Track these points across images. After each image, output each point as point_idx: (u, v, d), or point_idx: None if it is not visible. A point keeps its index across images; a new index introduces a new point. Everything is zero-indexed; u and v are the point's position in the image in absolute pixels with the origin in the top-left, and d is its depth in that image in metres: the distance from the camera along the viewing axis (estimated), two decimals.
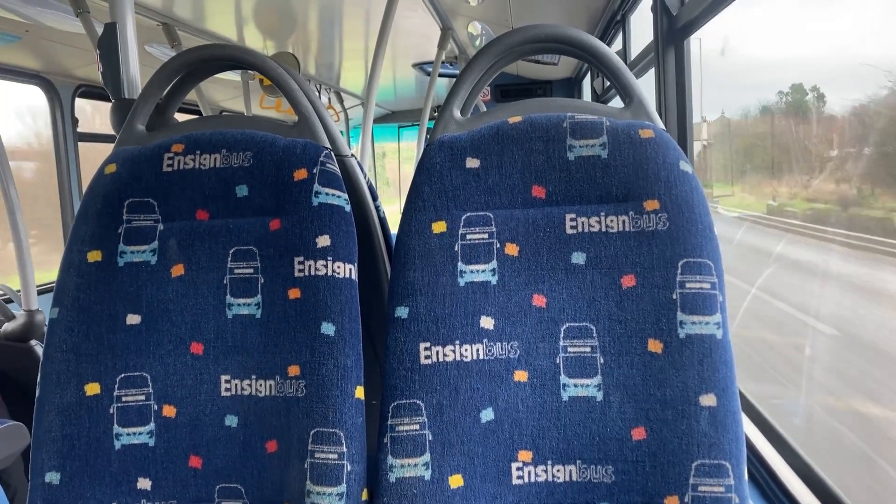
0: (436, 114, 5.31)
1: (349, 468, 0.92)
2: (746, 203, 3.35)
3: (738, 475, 0.88)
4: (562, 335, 0.95)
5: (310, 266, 0.97)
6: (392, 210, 1.25)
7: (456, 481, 0.92)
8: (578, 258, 0.95)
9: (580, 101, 1.05)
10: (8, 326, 2.42)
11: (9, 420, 1.90)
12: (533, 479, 0.94)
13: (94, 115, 3.80)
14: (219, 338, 1.00)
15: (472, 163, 0.98)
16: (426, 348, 0.94)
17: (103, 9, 2.31)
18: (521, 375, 0.95)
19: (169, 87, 1.15)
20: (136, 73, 1.29)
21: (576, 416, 0.93)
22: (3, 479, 2.09)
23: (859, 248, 2.06)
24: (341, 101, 5.49)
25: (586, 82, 4.76)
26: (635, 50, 2.71)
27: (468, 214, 0.97)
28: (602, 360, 0.93)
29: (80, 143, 3.47)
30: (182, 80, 1.16)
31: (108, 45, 1.26)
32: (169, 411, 0.99)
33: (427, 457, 0.92)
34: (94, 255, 1.01)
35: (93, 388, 0.99)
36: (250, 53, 1.08)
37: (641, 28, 2.58)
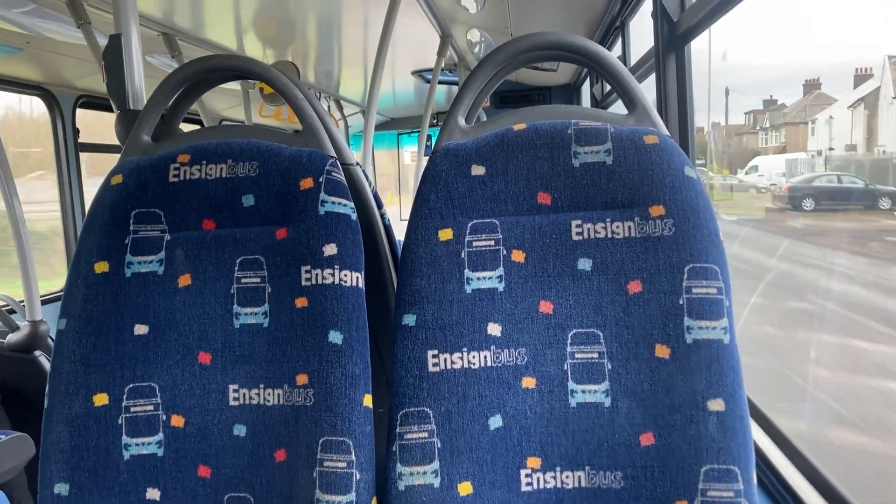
0: (435, 121, 5.29)
1: (358, 476, 0.92)
2: None
3: (747, 480, 0.88)
4: (569, 341, 0.95)
5: (317, 275, 0.97)
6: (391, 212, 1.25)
7: (465, 489, 0.92)
8: (585, 264, 0.96)
9: (584, 108, 1.05)
10: (12, 337, 2.42)
11: (13, 431, 1.90)
12: (542, 486, 0.94)
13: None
14: (226, 347, 1.00)
15: (478, 170, 0.98)
16: (434, 356, 0.94)
17: (104, 20, 2.32)
18: (528, 382, 0.95)
19: (174, 98, 1.15)
20: (141, 83, 1.30)
21: (584, 423, 0.93)
22: (7, 492, 2.08)
23: None
24: (341, 108, 5.51)
25: (585, 88, 4.77)
26: (634, 56, 2.72)
27: (474, 221, 0.97)
28: (609, 366, 0.93)
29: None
30: (187, 90, 1.17)
31: (113, 57, 1.27)
32: (177, 421, 0.99)
33: (436, 464, 0.92)
34: (102, 266, 1.02)
35: (101, 399, 0.99)
36: (255, 64, 1.08)
37: (641, 34, 2.59)
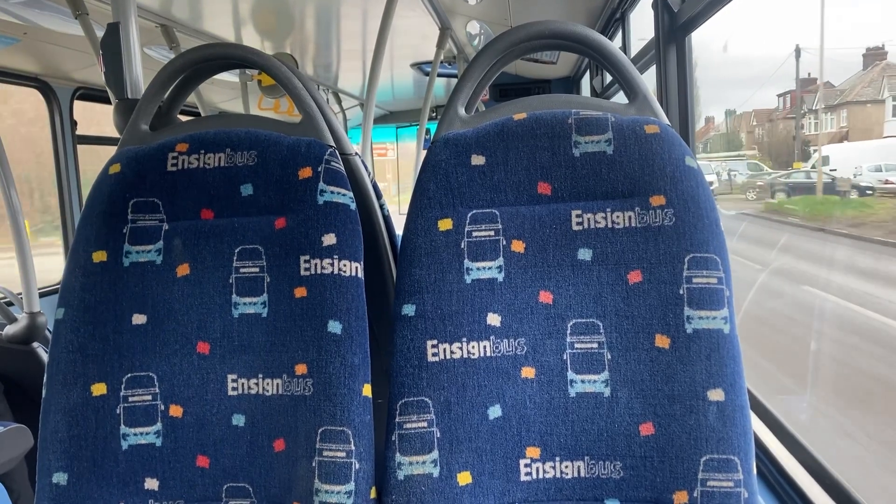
0: (434, 114, 5.27)
1: (357, 466, 0.92)
2: None
3: (746, 469, 0.88)
4: (569, 331, 0.95)
5: (316, 264, 0.97)
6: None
7: (464, 478, 0.92)
8: (585, 254, 0.95)
9: (585, 98, 1.05)
10: (10, 329, 2.41)
11: (12, 422, 1.90)
12: (541, 476, 0.93)
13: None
14: (225, 337, 1.00)
15: (478, 160, 0.98)
16: (433, 346, 0.94)
17: (102, 11, 2.31)
18: (528, 372, 0.95)
19: (172, 87, 1.15)
20: (139, 72, 1.29)
21: (583, 412, 0.93)
22: (6, 483, 2.08)
23: None
24: (339, 101, 5.50)
25: (585, 81, 4.76)
26: (634, 48, 2.71)
27: (474, 212, 0.97)
28: (609, 356, 0.93)
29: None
30: (185, 79, 1.16)
31: (111, 45, 1.26)
32: (175, 411, 0.99)
33: (435, 454, 0.92)
34: (100, 256, 1.01)
35: (99, 389, 0.99)
36: (254, 52, 1.08)
37: (641, 25, 2.58)
